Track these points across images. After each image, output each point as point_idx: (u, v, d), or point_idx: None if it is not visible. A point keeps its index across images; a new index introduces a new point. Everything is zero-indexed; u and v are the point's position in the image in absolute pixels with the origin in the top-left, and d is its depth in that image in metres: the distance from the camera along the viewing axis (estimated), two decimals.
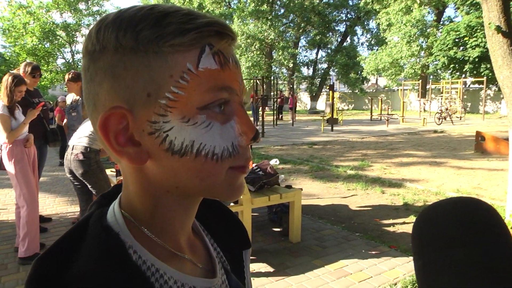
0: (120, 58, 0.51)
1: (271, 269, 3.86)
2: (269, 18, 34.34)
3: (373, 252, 4.23)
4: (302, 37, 41.00)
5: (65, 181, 7.94)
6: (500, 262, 0.43)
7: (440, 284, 0.45)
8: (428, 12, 32.37)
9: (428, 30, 31.65)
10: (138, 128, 0.52)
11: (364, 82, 39.60)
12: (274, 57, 36.40)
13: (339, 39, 41.01)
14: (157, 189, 0.56)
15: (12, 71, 4.38)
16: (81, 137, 4.01)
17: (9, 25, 31.05)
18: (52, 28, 33.18)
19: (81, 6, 36.03)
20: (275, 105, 22.57)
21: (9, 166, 4.11)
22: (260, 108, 17.17)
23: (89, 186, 4.06)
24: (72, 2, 34.36)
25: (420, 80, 30.63)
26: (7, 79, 4.06)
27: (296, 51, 37.23)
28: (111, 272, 0.49)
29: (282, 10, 37.58)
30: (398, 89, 32.65)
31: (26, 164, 4.17)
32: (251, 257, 4.05)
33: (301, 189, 4.84)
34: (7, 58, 32.24)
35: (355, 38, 41.57)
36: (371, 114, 25.36)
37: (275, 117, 21.33)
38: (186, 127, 0.51)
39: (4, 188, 7.43)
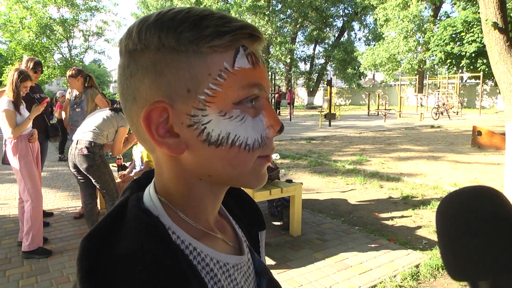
0: (162, 57, 0.55)
1: (272, 262, 3.92)
2: (266, 13, 34.24)
3: (373, 245, 4.29)
4: (299, 32, 40.92)
5: (65, 176, 7.98)
6: None
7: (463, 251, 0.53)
8: (425, 8, 32.33)
9: (425, 25, 31.60)
10: (178, 120, 0.57)
11: (361, 77, 39.64)
12: (272, 53, 36.35)
13: (336, 34, 40.95)
14: (191, 177, 0.60)
15: (17, 67, 4.41)
16: (85, 132, 4.04)
17: (5, 20, 30.88)
18: (49, 23, 33.01)
19: (79, 1, 35.82)
20: (273, 100, 22.54)
21: (14, 161, 4.15)
22: None
23: (93, 180, 4.10)
24: None
25: (417, 75, 30.63)
26: (12, 74, 4.08)
27: (293, 46, 37.17)
28: (156, 250, 0.53)
29: (280, 6, 37.46)
30: (395, 84, 32.69)
31: (31, 159, 4.21)
32: None
33: (302, 183, 4.90)
34: (4, 53, 32.07)
35: (352, 33, 41.39)
36: (369, 109, 25.41)
37: None
38: (223, 120, 0.56)
39: (5, 183, 7.47)
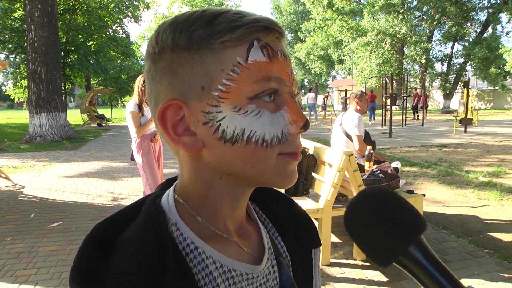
0: (177, 57, 0.56)
1: (384, 279, 3.66)
2: (400, 11, 32.81)
3: (505, 275, 3.74)
4: (436, 30, 38.35)
5: None
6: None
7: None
8: None
9: None
10: (194, 118, 0.57)
11: (507, 78, 35.74)
12: (406, 53, 34.63)
13: (478, 30, 37.11)
14: (210, 176, 0.60)
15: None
16: None
17: None
18: None
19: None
20: (405, 103, 21.40)
21: (138, 157, 4.69)
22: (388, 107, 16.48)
23: None
24: None
25: None
26: (139, 80, 4.59)
27: (429, 45, 34.94)
28: (147, 239, 0.54)
29: (415, 2, 35.36)
30: None
31: (152, 157, 4.71)
32: (364, 263, 3.99)
33: (424, 195, 4.54)
34: None
35: (499, 27, 36.67)
36: None
37: (404, 116, 20.30)
38: (237, 116, 0.55)
39: (138, 176, 8.06)
